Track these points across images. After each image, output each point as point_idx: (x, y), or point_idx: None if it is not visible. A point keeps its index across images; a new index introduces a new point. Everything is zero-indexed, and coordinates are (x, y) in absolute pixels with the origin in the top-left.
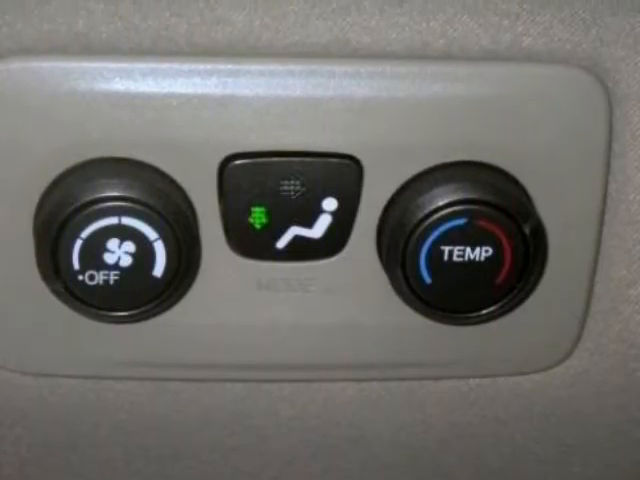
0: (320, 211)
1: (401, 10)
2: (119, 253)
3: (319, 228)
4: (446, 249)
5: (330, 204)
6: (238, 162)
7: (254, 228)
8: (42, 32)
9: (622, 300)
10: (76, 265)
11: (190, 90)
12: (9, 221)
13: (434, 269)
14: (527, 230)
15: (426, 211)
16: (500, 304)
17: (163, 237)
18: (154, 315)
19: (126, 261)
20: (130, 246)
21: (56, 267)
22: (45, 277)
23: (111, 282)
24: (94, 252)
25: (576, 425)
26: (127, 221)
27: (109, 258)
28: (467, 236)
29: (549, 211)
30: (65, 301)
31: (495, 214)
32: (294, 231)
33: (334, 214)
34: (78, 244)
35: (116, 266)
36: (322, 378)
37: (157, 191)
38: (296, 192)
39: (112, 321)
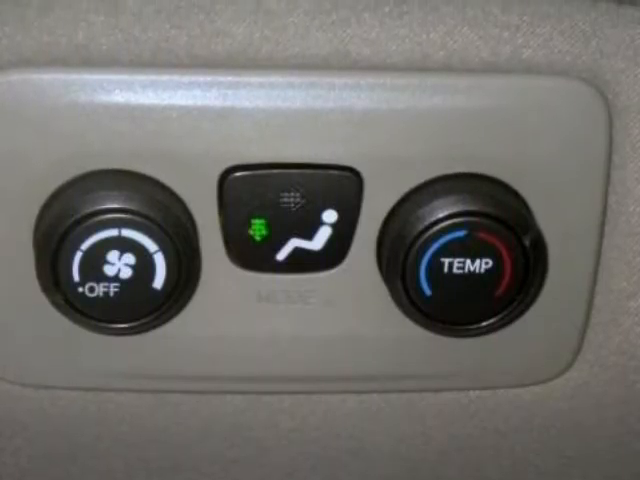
0: (320, 223)
1: (401, 22)
2: (119, 265)
3: (319, 240)
4: (446, 261)
5: (330, 216)
6: (238, 174)
7: (254, 240)
8: (42, 44)
9: (622, 312)
10: (76, 277)
11: (190, 102)
12: (9, 233)
13: (434, 281)
14: (527, 242)
15: (426, 223)
16: (500, 316)
17: (163, 249)
18: (154, 327)
19: (126, 273)
20: (130, 258)
21: (56, 279)
22: (45, 289)
23: (111, 294)
24: (94, 264)
25: (576, 437)
26: (127, 233)
27: (109, 270)
28: (467, 248)
29: (549, 223)
30: (65, 313)
31: (495, 226)
32: (294, 243)
33: (334, 226)
34: (78, 256)
35: (116, 278)
36: (322, 390)
37: (157, 203)
38: (296, 204)
39: (112, 333)
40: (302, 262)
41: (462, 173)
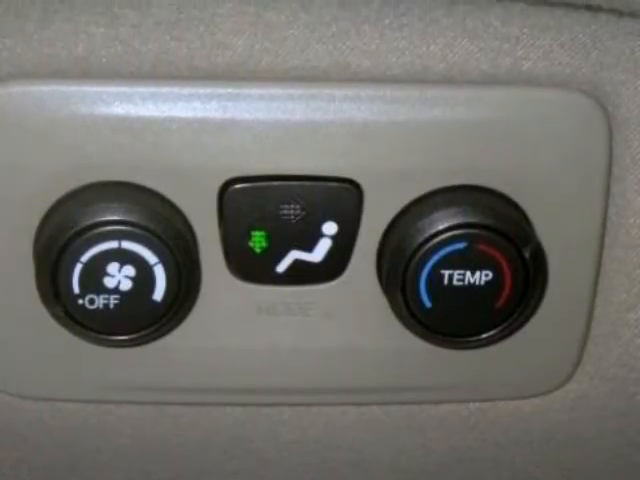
0: (320, 235)
1: (401, 34)
2: (119, 277)
3: (319, 252)
4: (446, 273)
5: (330, 228)
6: (238, 186)
7: (254, 252)
8: (42, 56)
9: (622, 324)
10: (76, 289)
11: (190, 114)
12: (9, 245)
13: (434, 293)
14: (527, 254)
15: (426, 235)
16: (500, 328)
17: (163, 261)
18: (154, 339)
19: (126, 285)
20: (130, 270)
21: (56, 291)
22: (45, 301)
23: (111, 306)
24: (94, 276)
25: (576, 449)
26: (127, 245)
27: (109, 282)
28: (467, 260)
29: (549, 235)
30: (65, 325)
31: (495, 238)
32: (294, 255)
33: (334, 238)
34: (78, 268)
35: (116, 290)
36: (322, 402)
37: (157, 215)
38: (296, 216)
39: (112, 345)
40: (302, 274)
41: (462, 185)
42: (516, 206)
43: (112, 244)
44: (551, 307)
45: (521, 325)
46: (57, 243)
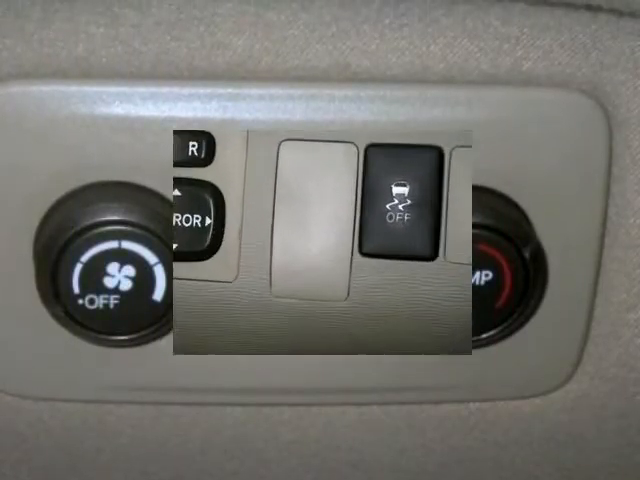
0: None
1: (401, 34)
2: (119, 277)
3: None
4: None
5: None
6: None
7: None
8: (42, 56)
9: (622, 324)
10: (76, 289)
11: (190, 114)
12: (9, 245)
13: None
14: (527, 254)
15: None
16: (500, 328)
17: (163, 261)
18: (154, 339)
19: (126, 285)
20: (130, 270)
21: (56, 291)
22: (45, 301)
23: (111, 306)
24: (94, 276)
25: (576, 449)
26: (127, 245)
27: (109, 282)
28: None
29: (549, 235)
30: (65, 325)
31: (495, 238)
32: None
33: None
34: (78, 268)
35: (116, 290)
36: (322, 402)
37: (157, 215)
38: None
39: (112, 345)
40: None
41: None
42: (516, 206)
43: (112, 244)
44: (551, 307)
45: (521, 325)
46: (57, 243)
